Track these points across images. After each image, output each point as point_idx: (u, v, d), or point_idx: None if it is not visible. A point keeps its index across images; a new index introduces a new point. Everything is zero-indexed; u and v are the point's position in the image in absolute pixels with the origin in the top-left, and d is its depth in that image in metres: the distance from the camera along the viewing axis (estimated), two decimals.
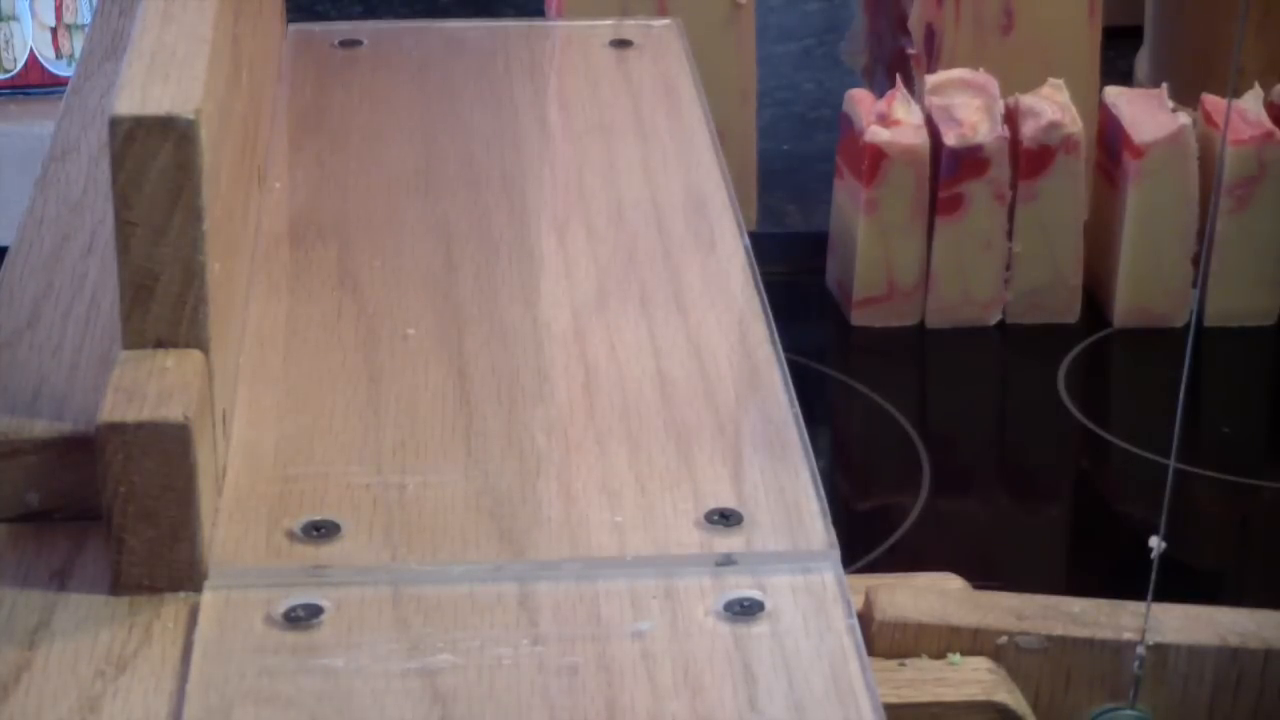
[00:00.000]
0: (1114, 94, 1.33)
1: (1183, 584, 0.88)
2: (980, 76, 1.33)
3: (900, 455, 1.20)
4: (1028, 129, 1.29)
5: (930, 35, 1.44)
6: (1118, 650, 0.83)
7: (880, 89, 1.42)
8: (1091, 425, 1.23)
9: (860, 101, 1.34)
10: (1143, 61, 1.59)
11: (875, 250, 1.32)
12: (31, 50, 1.87)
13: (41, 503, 0.66)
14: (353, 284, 0.78)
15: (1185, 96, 1.32)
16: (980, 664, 0.82)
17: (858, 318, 1.32)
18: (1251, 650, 0.83)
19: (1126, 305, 1.32)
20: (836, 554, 0.61)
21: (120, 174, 0.62)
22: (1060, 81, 1.32)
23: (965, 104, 1.31)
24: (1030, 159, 1.30)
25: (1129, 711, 0.84)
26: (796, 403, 0.70)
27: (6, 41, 1.87)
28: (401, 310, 0.77)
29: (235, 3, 0.74)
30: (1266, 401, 1.32)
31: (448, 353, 0.74)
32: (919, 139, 1.30)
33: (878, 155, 1.29)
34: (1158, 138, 1.28)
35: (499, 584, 0.60)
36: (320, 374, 0.72)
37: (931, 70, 1.39)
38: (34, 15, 1.86)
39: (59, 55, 1.87)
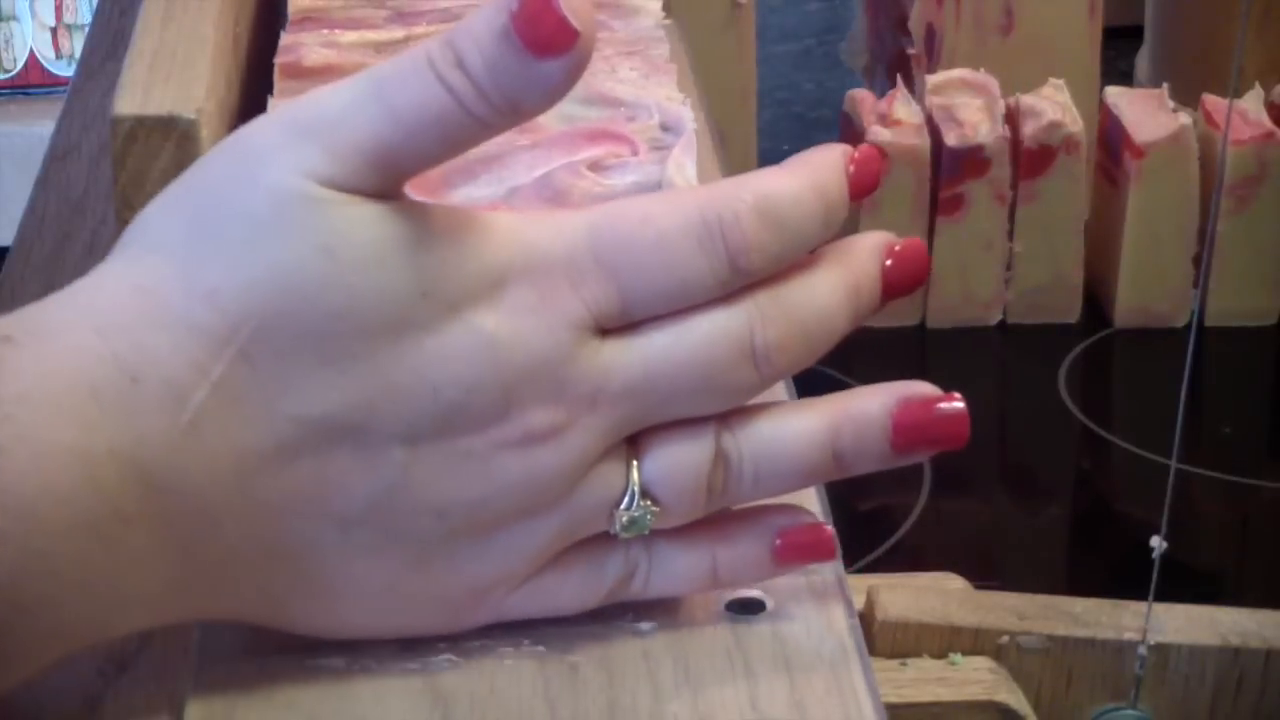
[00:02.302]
0: (1114, 94, 1.34)
1: (1184, 584, 0.88)
2: (981, 76, 1.33)
3: None
4: (1028, 129, 1.29)
5: (930, 35, 1.44)
6: (1119, 650, 0.83)
7: (880, 89, 1.42)
8: (1092, 425, 1.23)
9: (860, 101, 1.34)
10: (1143, 61, 1.60)
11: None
12: (31, 50, 1.87)
13: None
14: None
15: (1185, 96, 1.32)
16: (981, 664, 0.82)
17: None
18: (1253, 650, 0.83)
19: (1127, 305, 1.32)
20: (838, 554, 0.61)
21: (122, 174, 0.62)
22: (1061, 81, 1.32)
23: (966, 104, 1.31)
24: (1031, 159, 1.30)
25: (1130, 711, 0.84)
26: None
27: (6, 41, 1.87)
28: None
29: (236, 3, 0.74)
30: (1266, 401, 1.32)
31: None
32: (919, 139, 1.30)
33: None
34: (1158, 138, 1.28)
35: None
36: None
37: (932, 70, 1.39)
38: (34, 15, 1.86)
39: (59, 55, 1.87)
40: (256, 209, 0.45)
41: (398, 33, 0.73)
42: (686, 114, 0.67)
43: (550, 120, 0.65)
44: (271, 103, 0.67)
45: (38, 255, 0.78)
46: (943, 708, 0.80)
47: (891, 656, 0.82)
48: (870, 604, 0.83)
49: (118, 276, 0.47)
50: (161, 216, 0.47)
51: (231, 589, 0.48)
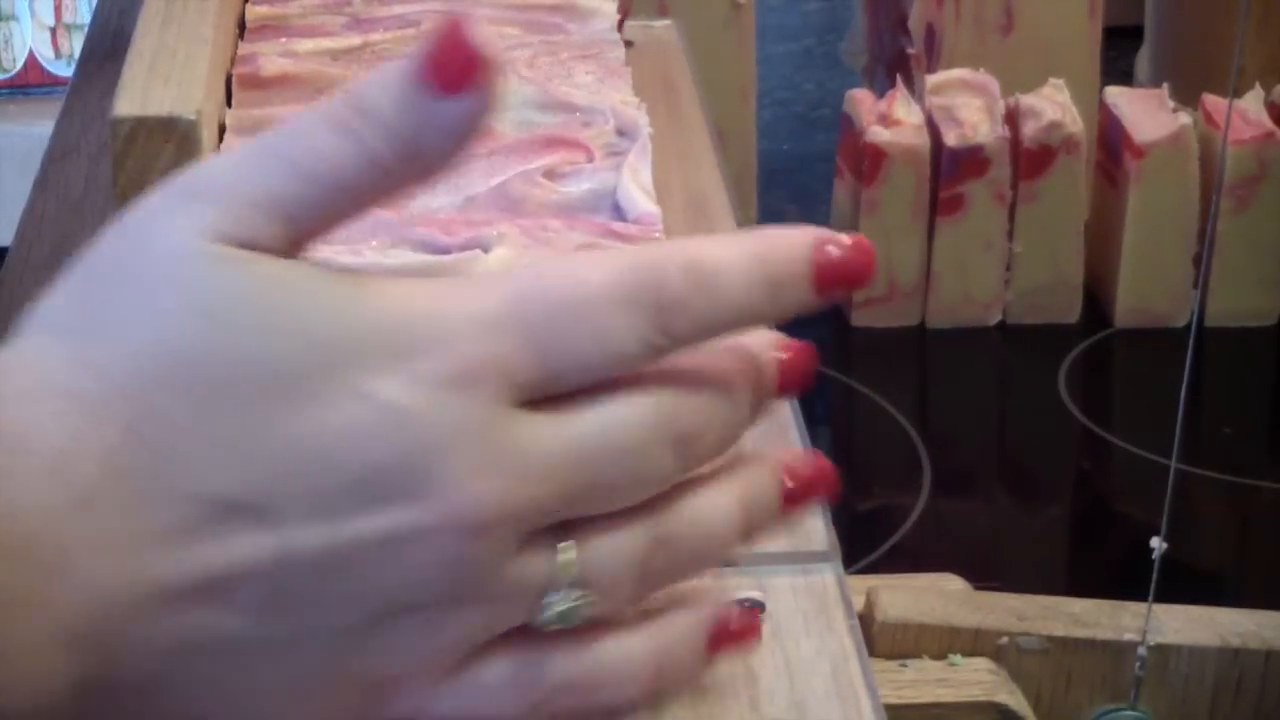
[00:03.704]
0: (1114, 94, 1.34)
1: (1183, 584, 0.88)
2: (980, 76, 1.33)
3: (900, 455, 1.20)
4: (1028, 129, 1.29)
5: (930, 35, 1.44)
6: (1119, 651, 0.83)
7: (880, 89, 1.42)
8: (1091, 425, 1.23)
9: (860, 101, 1.34)
10: (1143, 61, 1.60)
11: (875, 250, 1.32)
12: (31, 50, 1.87)
13: None
14: None
15: (1185, 96, 1.32)
16: (981, 665, 0.82)
17: (858, 318, 1.33)
18: (1252, 651, 0.83)
19: (1127, 305, 1.32)
20: (837, 555, 0.60)
21: (121, 175, 0.62)
22: (1060, 81, 1.32)
23: (965, 104, 1.31)
24: (1031, 159, 1.30)
25: (1130, 712, 0.84)
26: (797, 403, 0.70)
27: (6, 41, 1.87)
28: None
29: (235, 4, 0.74)
30: (1266, 401, 1.32)
31: None
32: (919, 139, 1.30)
33: (878, 155, 1.29)
34: (1158, 138, 1.29)
35: None
36: None
37: (931, 70, 1.39)
38: (34, 15, 1.86)
39: (59, 55, 1.87)
40: (141, 274, 0.43)
41: (355, 40, 0.72)
42: (642, 118, 0.67)
43: (506, 127, 0.65)
44: (229, 114, 0.67)
45: (38, 255, 0.78)
46: (943, 708, 0.80)
47: (891, 657, 0.82)
48: (870, 605, 0.83)
49: (5, 356, 0.44)
50: (53, 299, 0.45)
51: (142, 702, 0.43)
